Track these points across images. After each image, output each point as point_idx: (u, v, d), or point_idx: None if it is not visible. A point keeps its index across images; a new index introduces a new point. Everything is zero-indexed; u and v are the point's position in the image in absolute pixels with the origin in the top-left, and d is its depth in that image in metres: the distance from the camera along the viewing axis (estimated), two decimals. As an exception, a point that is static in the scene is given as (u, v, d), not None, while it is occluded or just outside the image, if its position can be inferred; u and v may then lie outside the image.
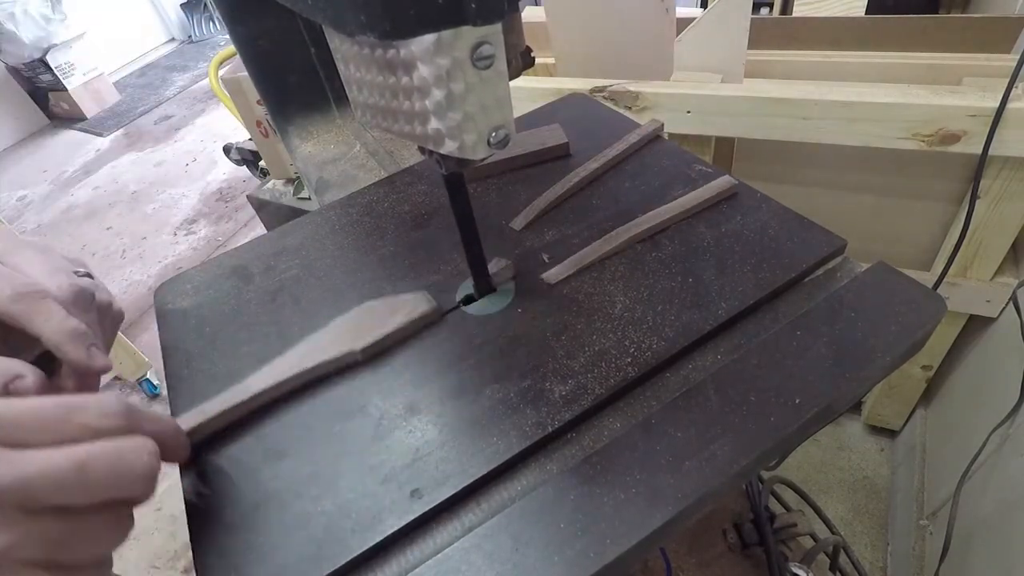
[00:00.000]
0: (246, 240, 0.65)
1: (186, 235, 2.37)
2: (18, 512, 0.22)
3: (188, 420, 0.34)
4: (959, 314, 0.92)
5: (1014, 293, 0.81)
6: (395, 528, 0.29)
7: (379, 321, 0.39)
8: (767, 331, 0.36)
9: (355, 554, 0.29)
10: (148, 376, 1.62)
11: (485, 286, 0.41)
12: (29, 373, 0.26)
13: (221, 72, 1.27)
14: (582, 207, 0.48)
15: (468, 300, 0.41)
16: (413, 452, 0.33)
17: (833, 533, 0.71)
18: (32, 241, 0.33)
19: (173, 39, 4.29)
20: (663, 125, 0.54)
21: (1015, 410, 0.77)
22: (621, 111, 0.70)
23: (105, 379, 1.02)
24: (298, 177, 1.25)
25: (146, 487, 0.25)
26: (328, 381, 0.38)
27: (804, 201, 0.89)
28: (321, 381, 0.38)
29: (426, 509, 0.30)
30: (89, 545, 0.24)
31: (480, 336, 0.38)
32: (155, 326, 0.46)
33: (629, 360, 0.35)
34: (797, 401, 0.32)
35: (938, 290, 0.82)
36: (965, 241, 0.78)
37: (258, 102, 1.14)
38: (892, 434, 1.22)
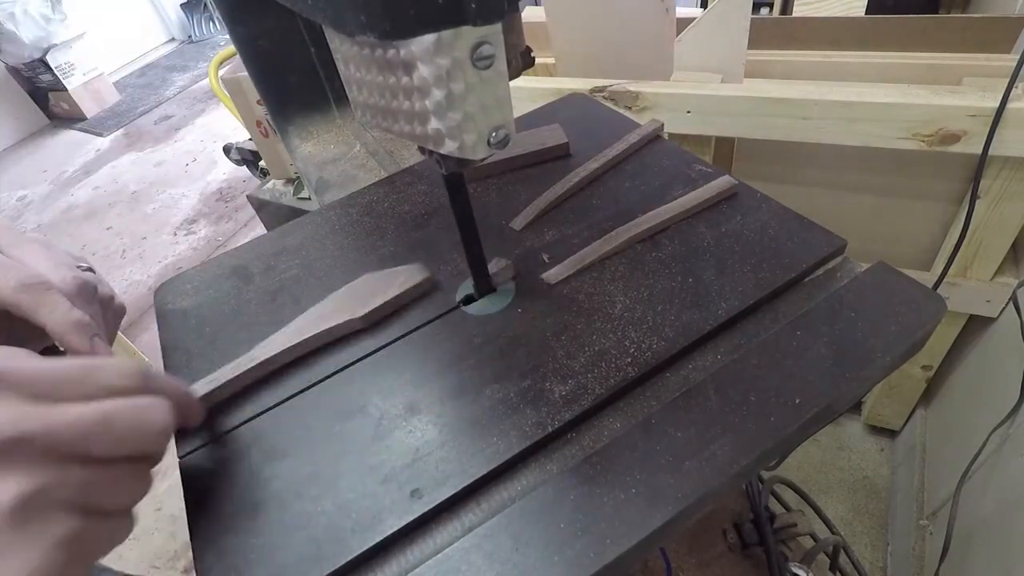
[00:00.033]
0: (246, 240, 0.65)
1: (186, 235, 2.37)
2: (48, 459, 0.23)
3: (199, 388, 0.37)
4: (959, 314, 0.92)
5: (1014, 293, 0.81)
6: (395, 528, 0.29)
7: (378, 290, 0.41)
8: (767, 331, 0.36)
9: (355, 554, 0.29)
10: (148, 376, 1.61)
11: (485, 286, 0.41)
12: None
13: (221, 72, 1.27)
14: (582, 207, 0.48)
15: (468, 300, 0.41)
16: (413, 452, 0.33)
17: (833, 533, 0.71)
18: (36, 236, 0.34)
19: (173, 39, 4.29)
20: (663, 125, 0.54)
21: (1015, 410, 0.77)
22: (621, 111, 0.70)
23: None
24: (298, 177, 1.25)
25: (161, 444, 0.27)
26: (331, 348, 0.40)
27: (804, 201, 0.89)
28: (324, 349, 0.40)
29: (426, 509, 0.30)
30: (115, 494, 0.26)
31: (480, 336, 0.38)
32: (155, 326, 0.46)
33: (629, 360, 0.35)
34: (797, 401, 0.32)
35: (938, 290, 0.82)
36: (965, 241, 0.78)
37: (258, 102, 1.14)
38: (892, 434, 1.22)
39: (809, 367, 0.33)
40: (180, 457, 0.35)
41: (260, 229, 2.01)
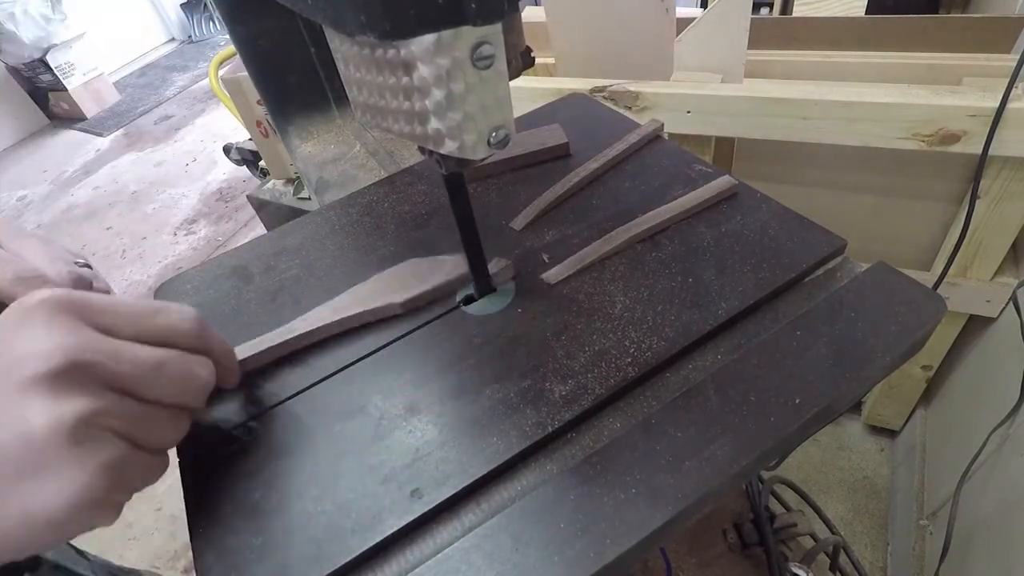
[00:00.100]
0: (246, 240, 0.65)
1: (186, 235, 2.37)
2: (105, 388, 0.25)
3: (239, 352, 0.37)
4: (959, 314, 0.92)
5: (1014, 293, 0.81)
6: (395, 528, 0.29)
7: (421, 278, 0.42)
8: (767, 331, 0.36)
9: (355, 554, 0.29)
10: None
11: (485, 286, 0.41)
12: None
13: (221, 72, 1.27)
14: (582, 207, 0.48)
15: (468, 300, 0.41)
16: (413, 452, 0.33)
17: (833, 533, 0.71)
18: (34, 232, 0.35)
19: (173, 39, 4.29)
20: (663, 125, 0.54)
21: (1015, 410, 0.77)
22: (621, 111, 0.70)
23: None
24: (298, 177, 1.25)
25: (201, 398, 0.30)
26: (366, 329, 0.40)
27: (804, 201, 0.89)
28: (361, 329, 0.40)
29: (426, 509, 0.30)
30: (158, 432, 0.28)
31: (480, 336, 0.38)
32: (155, 326, 0.46)
33: (629, 360, 0.35)
34: (797, 401, 0.32)
35: (938, 290, 0.82)
36: (965, 241, 0.78)
37: (258, 102, 1.14)
38: (892, 434, 1.22)
39: (809, 367, 0.33)
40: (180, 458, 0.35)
41: (260, 229, 2.01)
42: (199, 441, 0.35)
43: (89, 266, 0.36)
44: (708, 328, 0.36)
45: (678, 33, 0.84)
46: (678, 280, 0.40)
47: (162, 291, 0.48)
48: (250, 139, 1.39)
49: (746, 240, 0.42)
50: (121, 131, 3.31)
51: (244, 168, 1.56)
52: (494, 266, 0.41)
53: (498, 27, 0.25)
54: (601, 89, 0.83)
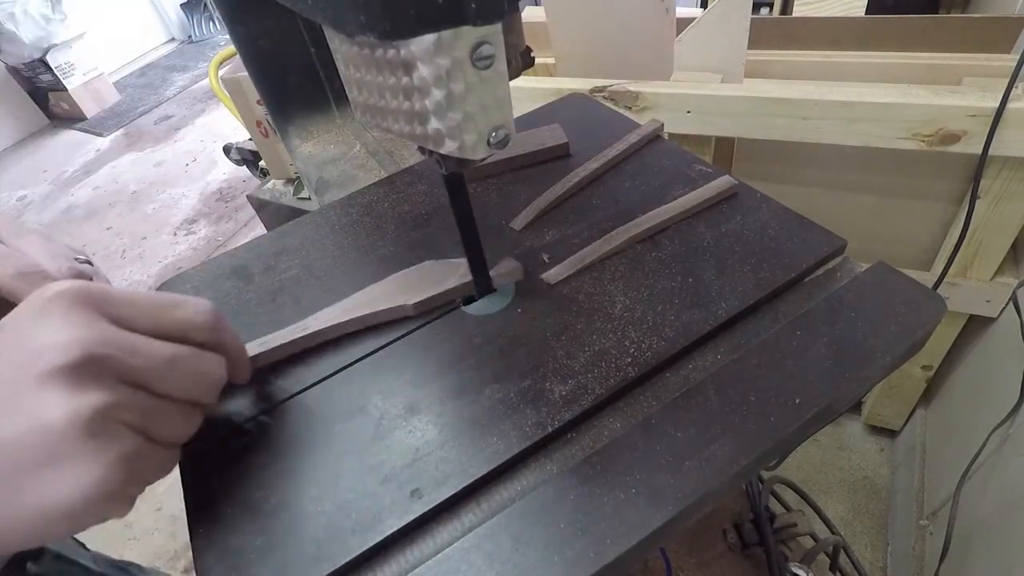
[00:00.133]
0: (246, 240, 0.65)
1: (186, 235, 2.37)
2: (121, 382, 0.26)
3: (250, 348, 0.38)
4: (959, 314, 0.92)
5: (1014, 293, 0.81)
6: (395, 528, 0.29)
7: (434, 280, 0.41)
8: (767, 331, 0.36)
9: (355, 554, 0.29)
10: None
11: (485, 286, 0.41)
12: None
13: (221, 72, 1.27)
14: (582, 207, 0.48)
15: (468, 300, 0.41)
16: (413, 452, 0.33)
17: (833, 533, 0.71)
18: (36, 228, 0.35)
19: (173, 39, 4.29)
20: (663, 125, 0.54)
21: (1015, 410, 0.77)
22: (621, 111, 0.70)
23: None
24: (298, 177, 1.25)
25: (212, 395, 0.30)
26: (366, 330, 0.40)
27: (804, 201, 0.89)
28: (361, 330, 0.40)
29: (426, 509, 0.30)
30: (171, 427, 0.28)
31: (480, 336, 0.38)
32: (155, 326, 0.46)
33: (629, 360, 0.35)
34: (797, 401, 0.32)
35: (938, 290, 0.82)
36: (965, 241, 0.78)
37: (258, 102, 1.14)
38: (892, 434, 1.22)
39: (809, 367, 0.33)
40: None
41: (260, 229, 2.01)
42: (208, 435, 0.35)
43: (90, 263, 0.37)
44: (708, 328, 0.36)
45: (678, 33, 0.84)
46: (678, 280, 0.40)
47: (162, 291, 0.48)
48: (250, 139, 1.39)
49: (746, 240, 0.42)
50: (121, 131, 3.31)
51: (244, 168, 1.56)
52: (503, 267, 0.41)
53: (498, 27, 0.25)
54: (601, 89, 0.83)
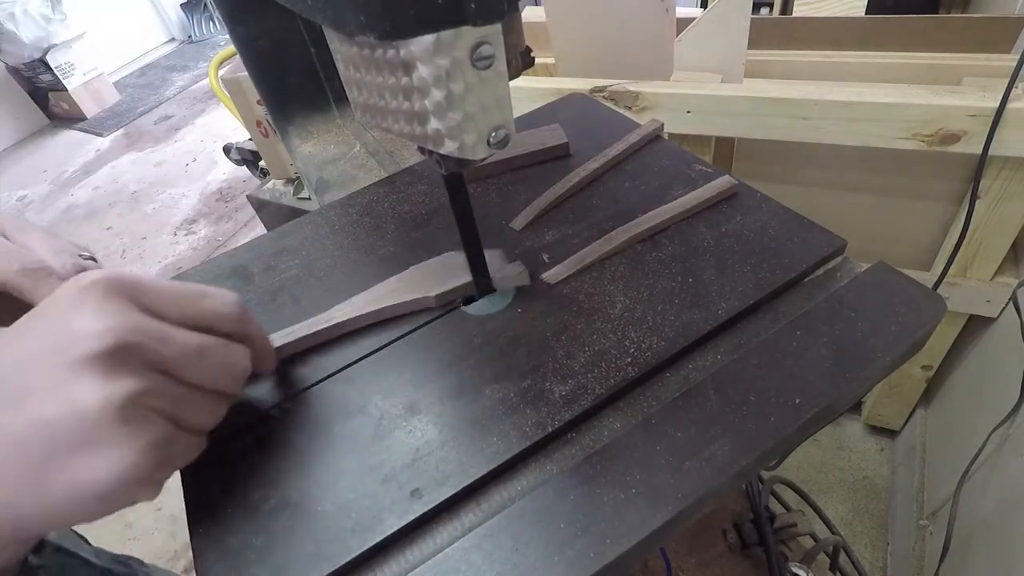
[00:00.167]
0: (246, 240, 0.65)
1: (186, 235, 2.37)
2: (152, 369, 0.26)
3: (275, 339, 0.38)
4: (959, 314, 0.92)
5: (1014, 293, 0.81)
6: (395, 528, 0.29)
7: (456, 272, 0.41)
8: (767, 331, 0.36)
9: (355, 554, 0.29)
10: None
11: (485, 286, 0.41)
12: None
13: (221, 72, 1.27)
14: (582, 207, 0.48)
15: (468, 300, 0.41)
16: (413, 452, 0.33)
17: (833, 533, 0.71)
18: (40, 225, 0.36)
19: (173, 39, 4.29)
20: (663, 125, 0.54)
21: (1015, 410, 0.77)
22: (621, 111, 0.70)
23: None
24: (298, 177, 1.25)
25: (238, 385, 0.31)
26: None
27: (804, 201, 0.89)
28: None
29: (426, 509, 0.30)
30: (198, 414, 0.29)
31: (480, 336, 0.38)
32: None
33: (629, 360, 0.35)
34: (797, 401, 0.32)
35: (938, 290, 0.82)
36: (965, 241, 0.78)
37: (258, 102, 1.14)
38: (892, 434, 1.22)
39: (809, 367, 0.33)
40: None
41: (260, 229, 2.01)
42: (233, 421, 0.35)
43: (94, 259, 0.37)
44: (708, 328, 0.36)
45: (678, 33, 0.84)
46: (678, 280, 0.40)
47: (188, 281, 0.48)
48: (250, 139, 1.39)
49: (746, 240, 0.42)
50: (121, 131, 3.31)
51: (244, 168, 1.56)
52: (509, 270, 0.41)
53: (498, 27, 0.25)
54: (601, 89, 0.83)
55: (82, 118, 3.46)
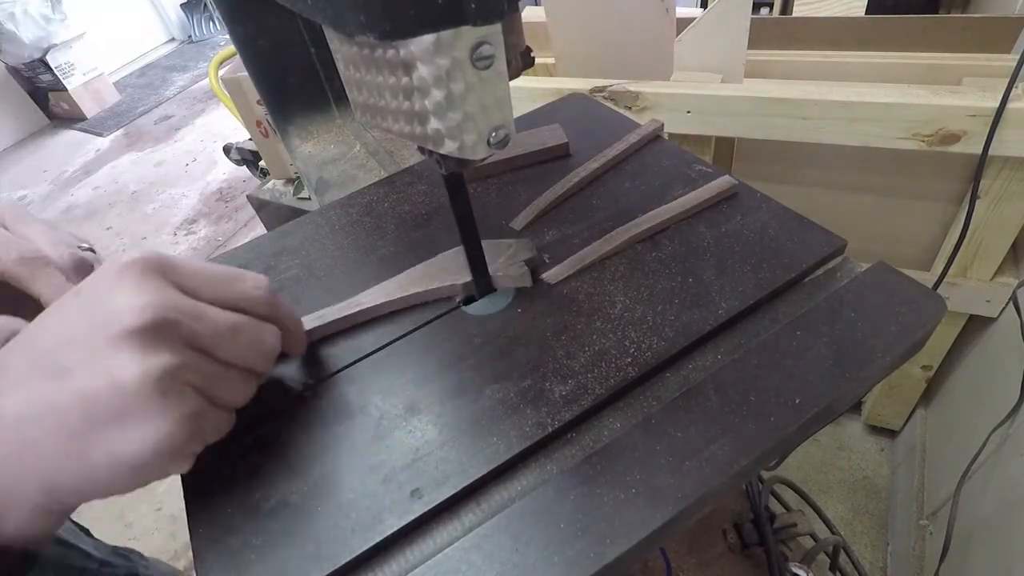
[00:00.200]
0: (246, 240, 0.65)
1: (186, 235, 2.37)
2: (187, 345, 0.27)
3: (308, 322, 0.39)
4: (959, 314, 0.92)
5: (1014, 293, 0.81)
6: (395, 528, 0.29)
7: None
8: (767, 331, 0.36)
9: (355, 554, 0.29)
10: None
11: (485, 286, 0.41)
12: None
13: (221, 72, 1.27)
14: (582, 207, 0.48)
15: (468, 300, 0.41)
16: (413, 452, 0.33)
17: (833, 533, 0.71)
18: (40, 217, 0.36)
19: (173, 39, 4.29)
20: (663, 125, 0.54)
21: (1015, 410, 0.77)
22: (621, 111, 0.70)
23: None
24: (298, 177, 1.25)
25: (268, 364, 0.32)
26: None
27: (804, 201, 0.89)
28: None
29: (426, 509, 0.30)
30: (230, 391, 0.29)
31: (480, 336, 0.38)
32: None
33: (629, 360, 0.35)
34: (797, 401, 0.32)
35: (938, 290, 0.82)
36: (965, 241, 0.78)
37: (258, 102, 1.14)
38: (892, 434, 1.22)
39: (809, 367, 0.33)
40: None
41: (260, 229, 2.01)
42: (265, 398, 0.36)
43: (93, 250, 0.37)
44: (708, 328, 0.36)
45: (678, 33, 0.84)
46: (678, 280, 0.40)
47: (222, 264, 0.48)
48: (250, 139, 1.39)
49: (746, 240, 0.42)
50: (121, 131, 3.31)
51: (244, 168, 1.56)
52: (512, 271, 0.41)
53: (498, 27, 0.25)
54: (601, 89, 0.83)
55: (82, 118, 3.46)
